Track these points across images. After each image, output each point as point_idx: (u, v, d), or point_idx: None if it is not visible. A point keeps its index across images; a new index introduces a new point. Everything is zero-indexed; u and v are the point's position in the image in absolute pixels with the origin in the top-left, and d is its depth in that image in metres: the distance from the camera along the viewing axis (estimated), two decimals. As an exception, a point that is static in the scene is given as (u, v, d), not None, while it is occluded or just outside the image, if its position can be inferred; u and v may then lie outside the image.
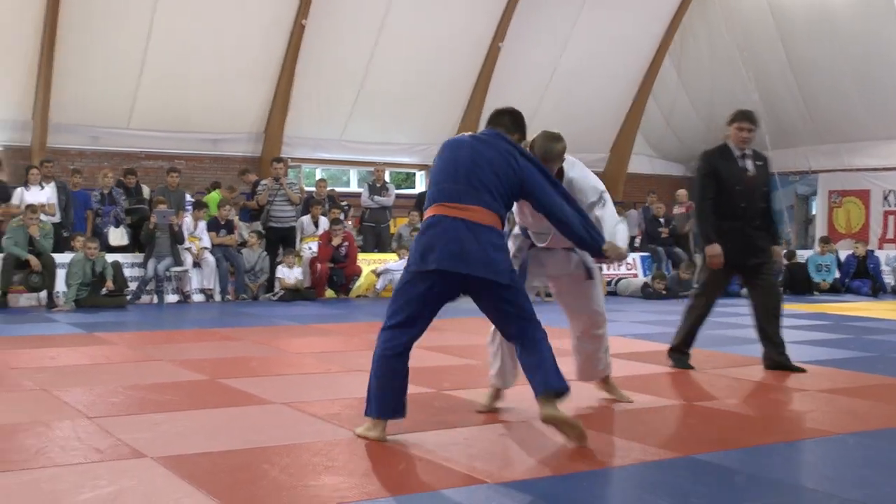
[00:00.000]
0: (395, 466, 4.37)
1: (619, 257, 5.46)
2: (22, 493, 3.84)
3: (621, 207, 20.28)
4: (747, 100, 20.43)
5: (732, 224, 7.17)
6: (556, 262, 5.77)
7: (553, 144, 5.39)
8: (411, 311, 4.87)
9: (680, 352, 7.48)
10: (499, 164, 4.89)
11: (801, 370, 7.14)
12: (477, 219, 4.78)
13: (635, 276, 16.75)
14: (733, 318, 11.81)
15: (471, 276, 4.74)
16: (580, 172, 5.65)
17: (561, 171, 5.52)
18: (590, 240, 5.18)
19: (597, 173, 22.09)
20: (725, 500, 3.87)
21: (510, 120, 5.19)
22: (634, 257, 17.42)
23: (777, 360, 7.22)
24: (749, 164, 7.28)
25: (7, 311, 11.96)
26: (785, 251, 17.15)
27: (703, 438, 4.99)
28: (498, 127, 5.15)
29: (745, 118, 7.29)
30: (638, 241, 18.55)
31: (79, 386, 6.27)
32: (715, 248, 7.15)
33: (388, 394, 4.85)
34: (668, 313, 12.35)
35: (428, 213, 4.93)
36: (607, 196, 5.66)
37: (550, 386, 4.76)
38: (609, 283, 15.75)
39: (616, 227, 5.47)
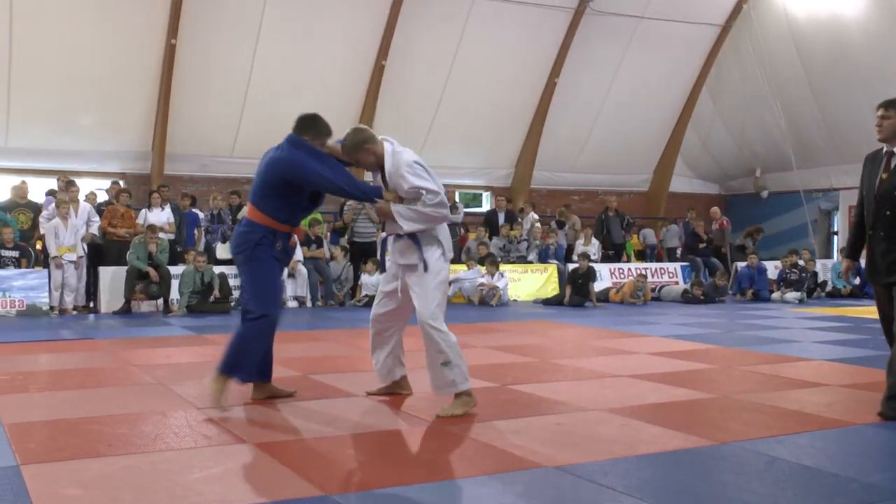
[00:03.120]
0: (464, 452, 4.37)
1: (380, 212, 5.29)
2: (143, 473, 3.92)
3: (663, 222, 20.15)
4: (775, 125, 20.23)
5: (868, 235, 5.47)
6: (401, 251, 5.39)
7: (347, 138, 5.33)
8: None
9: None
10: (261, 169, 5.38)
11: None
12: (247, 213, 5.47)
13: (676, 283, 16.55)
14: (762, 319, 11.63)
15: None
16: (393, 166, 5.23)
17: (375, 159, 5.30)
18: (358, 193, 5.45)
19: (641, 192, 21.94)
20: (755, 483, 3.80)
21: (299, 124, 5.41)
22: (675, 266, 17.21)
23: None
24: (894, 164, 5.35)
25: (130, 316, 12.20)
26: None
27: (733, 428, 4.91)
28: (296, 132, 5.41)
29: (880, 104, 5.51)
30: (679, 252, 18.37)
31: (190, 380, 6.35)
32: (843, 263, 5.73)
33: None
34: (704, 316, 12.21)
35: None
36: (424, 183, 5.14)
37: (219, 365, 5.26)
38: (653, 290, 15.57)
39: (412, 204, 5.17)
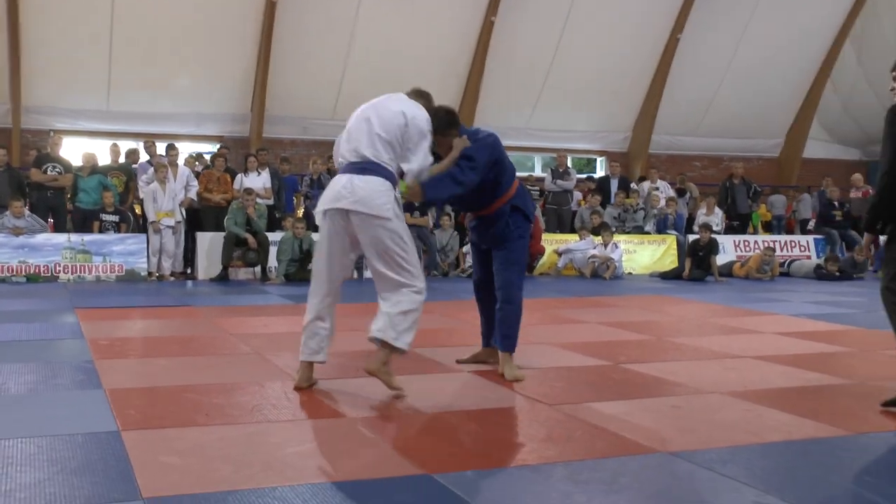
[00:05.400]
0: (572, 433, 4.35)
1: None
2: (238, 444, 4.04)
3: (795, 191, 19.57)
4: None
5: None
6: None
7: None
8: None
9: None
10: None
11: None
12: None
13: (808, 257, 16.09)
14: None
15: None
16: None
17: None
18: None
19: (771, 158, 21.40)
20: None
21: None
22: (808, 239, 16.73)
23: None
24: None
25: (227, 284, 12.52)
26: None
27: (872, 419, 4.75)
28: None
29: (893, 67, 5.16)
30: (812, 223, 17.85)
31: (288, 351, 6.44)
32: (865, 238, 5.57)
33: None
34: (841, 294, 11.85)
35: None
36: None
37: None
38: (782, 265, 15.17)
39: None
